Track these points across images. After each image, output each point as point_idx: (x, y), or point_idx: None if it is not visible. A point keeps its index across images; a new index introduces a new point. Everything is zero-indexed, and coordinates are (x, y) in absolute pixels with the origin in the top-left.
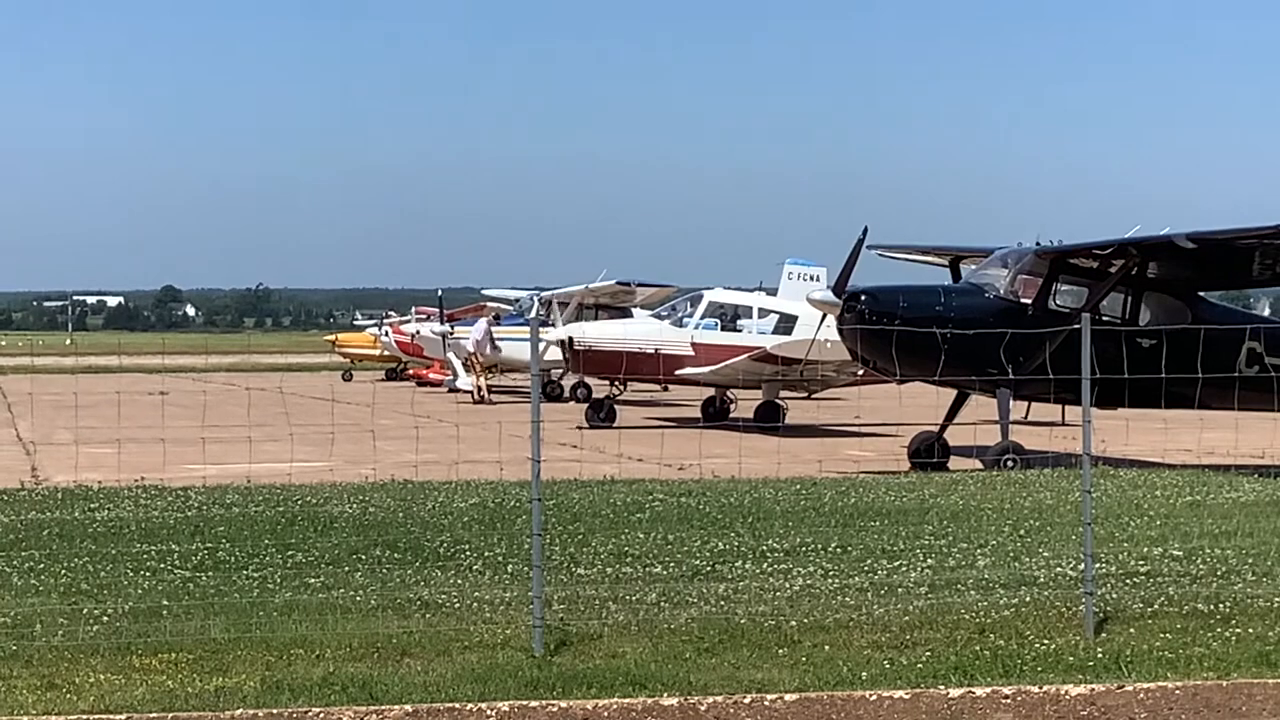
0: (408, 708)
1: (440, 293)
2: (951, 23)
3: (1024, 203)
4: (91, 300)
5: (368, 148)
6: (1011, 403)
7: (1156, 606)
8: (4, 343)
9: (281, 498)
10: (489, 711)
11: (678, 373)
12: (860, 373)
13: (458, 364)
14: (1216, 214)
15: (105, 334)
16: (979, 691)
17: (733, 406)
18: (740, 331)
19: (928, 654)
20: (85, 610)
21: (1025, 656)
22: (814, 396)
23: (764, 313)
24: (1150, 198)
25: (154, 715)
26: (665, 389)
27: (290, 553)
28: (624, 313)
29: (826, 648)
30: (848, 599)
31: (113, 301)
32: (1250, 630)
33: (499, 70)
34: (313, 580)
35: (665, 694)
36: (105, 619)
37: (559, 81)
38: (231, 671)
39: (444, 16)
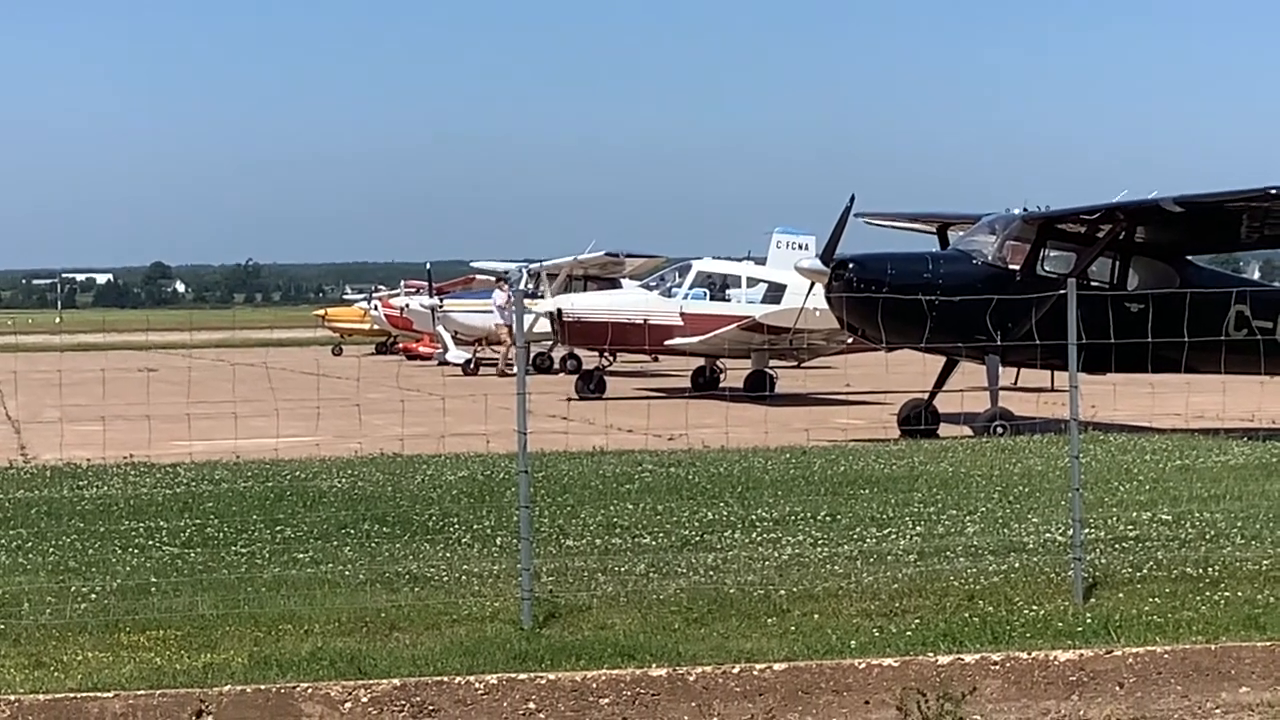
0: (396, 681)
1: (429, 266)
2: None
3: (1011, 169)
4: (81, 278)
5: (356, 122)
6: (1000, 369)
7: (1145, 571)
8: None
9: (270, 473)
10: (477, 684)
11: (667, 343)
12: (849, 341)
13: (447, 337)
14: (1204, 178)
15: (94, 311)
16: (968, 658)
17: (722, 376)
18: (729, 301)
19: (917, 621)
20: (73, 588)
21: (1014, 623)
22: (803, 365)
23: (752, 282)
24: (1138, 162)
25: (142, 692)
26: (655, 359)
27: (279, 528)
28: (613, 284)
29: (815, 616)
30: (837, 567)
31: (102, 279)
32: (1239, 594)
33: (488, 42)
34: (301, 555)
35: (654, 665)
36: (93, 596)
37: (546, 53)
38: (220, 647)
39: None
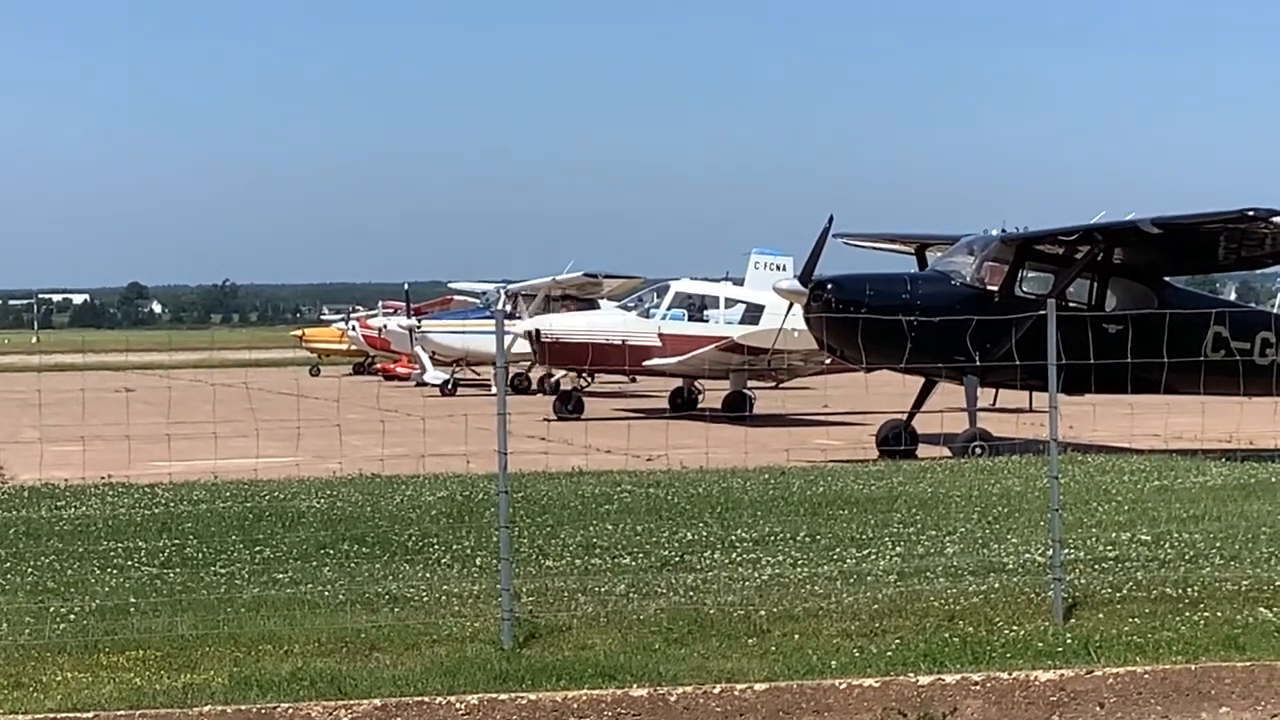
0: (376, 702)
1: (407, 287)
2: (917, 13)
3: (990, 190)
4: (57, 298)
5: (333, 143)
6: (979, 390)
7: (1125, 591)
8: None
9: (249, 493)
10: (458, 705)
11: (645, 363)
12: (827, 361)
13: (425, 358)
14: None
15: (71, 332)
16: (948, 678)
17: (700, 397)
18: (707, 322)
19: (897, 642)
20: (52, 608)
21: (994, 643)
22: (781, 386)
23: (730, 302)
24: (1116, 184)
25: (122, 713)
26: (633, 380)
27: (258, 548)
28: (591, 304)
29: (796, 637)
30: (817, 588)
31: (79, 299)
32: (1218, 614)
33: (466, 64)
34: (280, 575)
35: (635, 685)
36: (72, 617)
37: (525, 75)
38: (199, 668)
39: (410, 10)
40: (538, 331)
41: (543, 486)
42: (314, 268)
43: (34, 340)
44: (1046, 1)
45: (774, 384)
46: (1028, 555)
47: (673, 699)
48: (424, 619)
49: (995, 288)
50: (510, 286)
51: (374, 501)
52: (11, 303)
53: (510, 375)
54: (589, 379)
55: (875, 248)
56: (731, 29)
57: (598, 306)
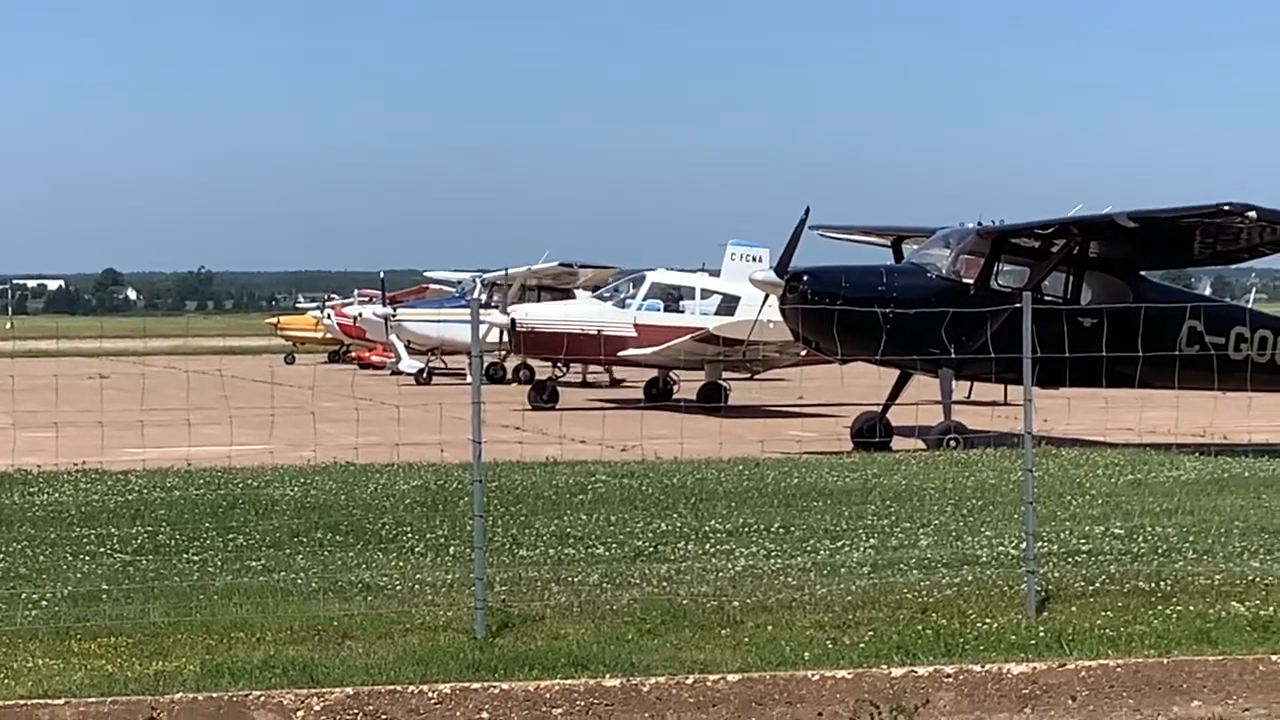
0: (349, 690)
1: (383, 275)
2: (893, 8)
3: (966, 182)
4: (32, 284)
5: (309, 130)
6: (954, 382)
7: (1098, 585)
8: None
9: (222, 481)
10: (430, 694)
11: (620, 354)
12: (803, 353)
13: (400, 346)
14: (1158, 193)
15: (45, 318)
16: (921, 670)
17: (675, 387)
18: (683, 312)
19: (870, 633)
20: (23, 595)
21: (967, 635)
22: (756, 377)
23: (706, 294)
24: (1093, 177)
25: (93, 699)
26: (617, 383)
27: (231, 536)
28: (566, 294)
29: (769, 628)
30: (790, 579)
31: (53, 285)
32: (1191, 608)
33: (443, 56)
34: (253, 563)
35: (608, 675)
36: (44, 603)
37: (498, 64)
38: (171, 655)
39: (386, 4)
40: (513, 321)
41: (517, 476)
42: (290, 255)
43: (8, 326)
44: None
45: (749, 375)
46: (1001, 548)
47: (645, 689)
48: (397, 608)
49: (971, 281)
50: (486, 276)
51: (348, 490)
52: None
53: (485, 364)
54: (564, 369)
55: (851, 240)
56: (707, 22)
57: (573, 296)
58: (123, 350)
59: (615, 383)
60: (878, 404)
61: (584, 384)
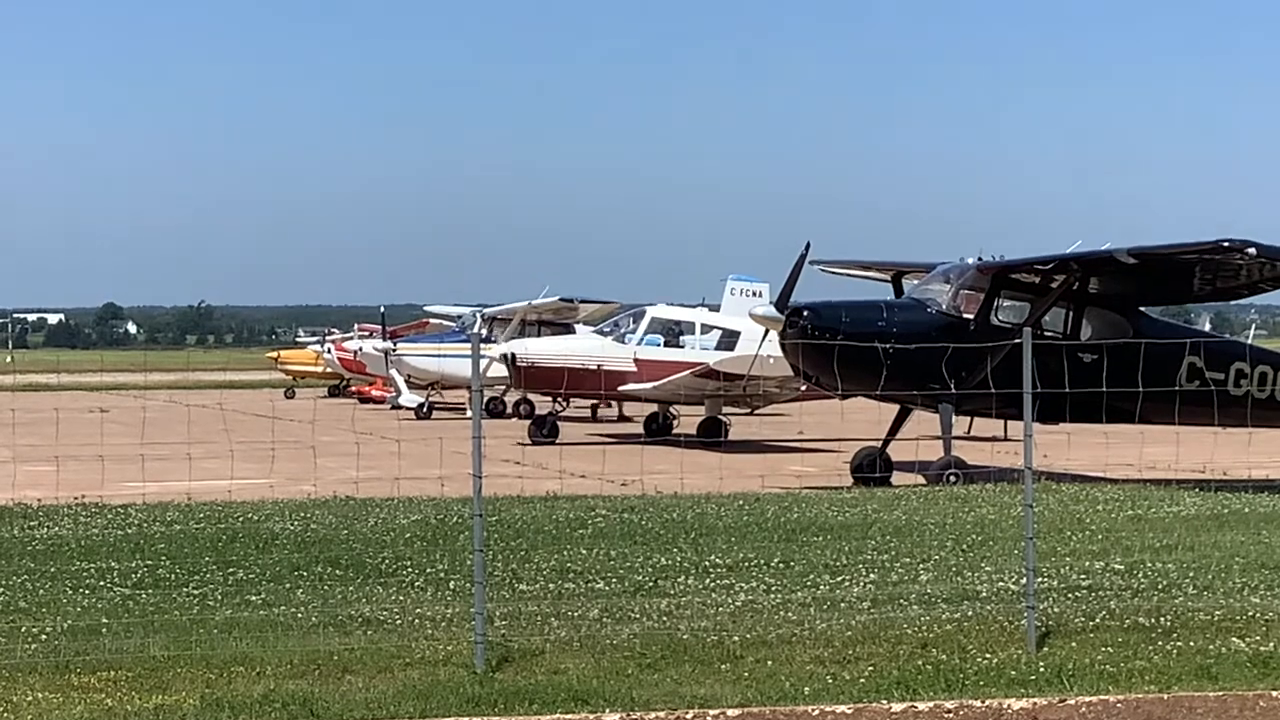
0: None
1: (383, 310)
2: (892, 44)
3: (966, 218)
4: (32, 318)
5: (309, 166)
6: (953, 418)
7: (1098, 620)
8: None
9: (222, 515)
10: None
11: (621, 388)
12: (803, 388)
13: (400, 381)
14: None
15: (46, 352)
16: (921, 706)
17: (675, 422)
18: (683, 347)
19: (870, 669)
20: (24, 628)
21: (968, 671)
22: (757, 412)
23: (706, 328)
24: (1092, 213)
25: None
26: (610, 405)
27: (231, 570)
28: (567, 329)
29: (769, 663)
30: (790, 614)
31: (53, 319)
32: (1191, 644)
33: (438, 89)
34: (253, 597)
35: (608, 710)
36: (44, 637)
37: (499, 99)
38: (171, 689)
39: (383, 33)
40: (514, 356)
41: (517, 510)
42: (290, 290)
43: (8, 360)
44: (1033, 33)
45: (749, 410)
46: (1001, 583)
47: None
48: (397, 642)
49: (971, 316)
50: (486, 310)
51: (348, 524)
52: None
53: (485, 399)
54: (564, 403)
55: (852, 275)
56: (706, 56)
57: (573, 331)
58: (123, 384)
59: (624, 418)
60: (878, 439)
61: (593, 418)
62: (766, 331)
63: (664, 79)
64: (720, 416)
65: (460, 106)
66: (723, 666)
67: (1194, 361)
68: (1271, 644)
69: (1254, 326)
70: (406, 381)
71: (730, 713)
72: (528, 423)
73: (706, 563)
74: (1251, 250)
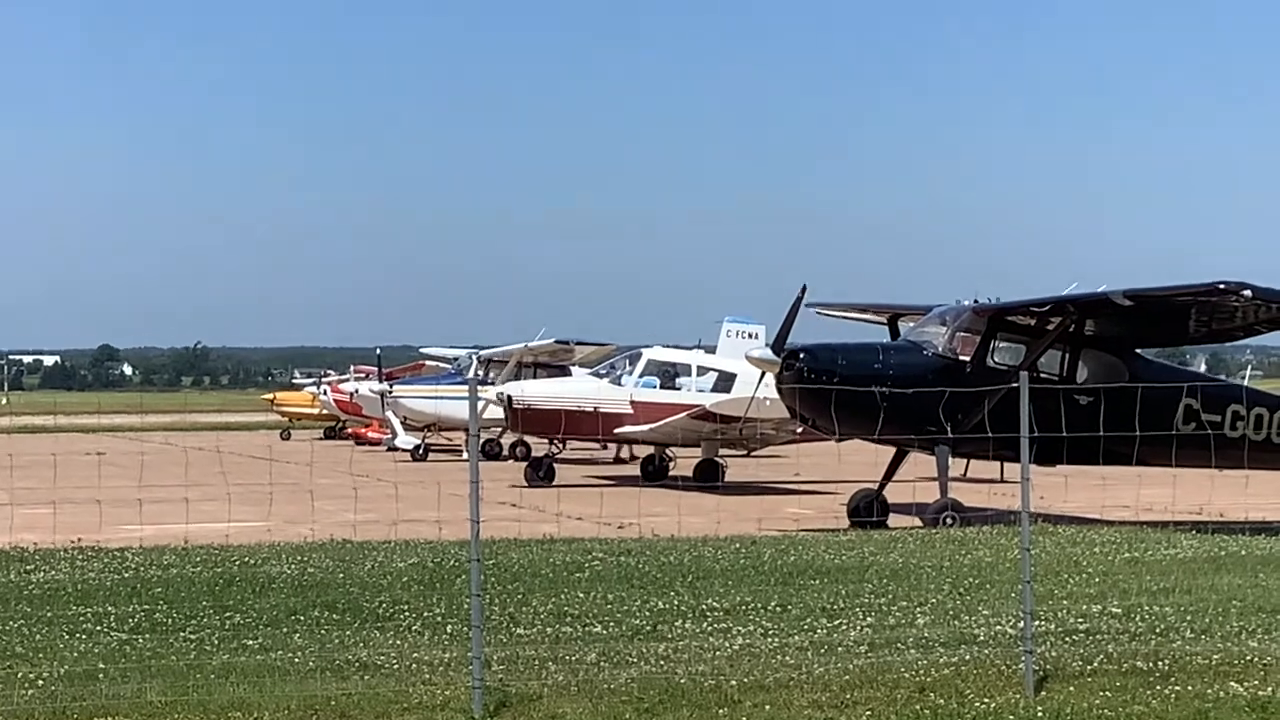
0: None
1: (379, 351)
2: (886, 79)
3: (962, 260)
4: (28, 360)
5: (304, 206)
6: (950, 460)
7: (1096, 664)
8: None
9: (219, 558)
10: None
11: (617, 431)
12: (799, 430)
13: (396, 423)
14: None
15: (41, 394)
16: None
17: (672, 465)
18: (679, 389)
19: (868, 713)
20: (20, 674)
21: (965, 715)
22: (753, 454)
23: (703, 370)
24: (1089, 255)
25: None
26: (605, 447)
27: (228, 614)
28: (563, 371)
29: (767, 707)
30: (788, 658)
31: (49, 361)
32: (1189, 688)
33: (439, 132)
34: (250, 642)
35: None
36: (40, 683)
37: (493, 140)
38: None
39: (379, 79)
40: (510, 398)
41: (514, 554)
42: (286, 331)
43: (4, 402)
44: (1030, 67)
45: (746, 452)
46: (999, 627)
47: None
48: (394, 687)
49: (967, 358)
50: (482, 352)
51: (345, 567)
52: None
53: (482, 441)
54: (560, 446)
55: (848, 317)
56: (700, 99)
57: (569, 373)
58: (120, 426)
59: (620, 460)
60: (874, 481)
61: (590, 461)
62: (763, 374)
63: (659, 119)
64: (717, 458)
65: (459, 151)
66: (720, 711)
67: (1190, 404)
68: (1270, 688)
69: (1250, 368)
70: (403, 423)
71: None
72: (524, 465)
73: (704, 606)
74: (1247, 292)
